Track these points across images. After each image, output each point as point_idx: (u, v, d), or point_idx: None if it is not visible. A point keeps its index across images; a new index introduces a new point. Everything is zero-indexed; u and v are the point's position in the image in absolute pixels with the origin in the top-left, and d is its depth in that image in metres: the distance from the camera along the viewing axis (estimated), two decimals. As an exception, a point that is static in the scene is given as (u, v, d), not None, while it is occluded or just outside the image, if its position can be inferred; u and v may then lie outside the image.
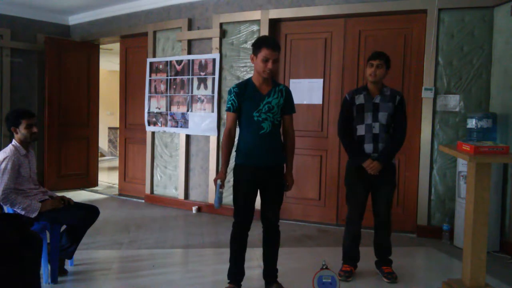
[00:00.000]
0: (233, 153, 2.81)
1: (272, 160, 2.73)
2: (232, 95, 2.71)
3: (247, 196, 2.73)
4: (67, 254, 3.13)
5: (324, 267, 2.80)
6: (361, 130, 3.10)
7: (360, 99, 3.12)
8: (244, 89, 2.72)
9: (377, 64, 3.05)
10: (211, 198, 5.19)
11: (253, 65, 2.72)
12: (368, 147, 3.07)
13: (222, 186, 2.64)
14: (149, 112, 5.74)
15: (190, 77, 5.35)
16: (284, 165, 2.84)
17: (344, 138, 3.18)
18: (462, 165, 3.89)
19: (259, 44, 2.66)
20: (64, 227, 3.13)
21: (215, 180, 2.67)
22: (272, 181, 2.74)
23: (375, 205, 3.17)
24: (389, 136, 3.10)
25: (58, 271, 3.00)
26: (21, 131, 2.97)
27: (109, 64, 9.73)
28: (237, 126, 2.78)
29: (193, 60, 5.32)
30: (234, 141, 2.79)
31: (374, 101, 3.09)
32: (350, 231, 3.19)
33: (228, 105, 2.73)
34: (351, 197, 3.19)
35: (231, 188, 2.84)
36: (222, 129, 5.06)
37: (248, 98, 2.69)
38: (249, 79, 2.78)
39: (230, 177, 5.05)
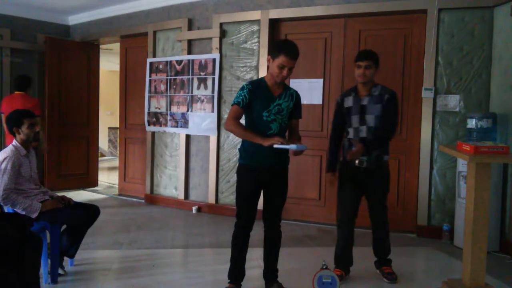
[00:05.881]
0: (237, 153, 2.79)
1: (277, 161, 2.72)
2: (245, 91, 2.67)
3: (250, 197, 2.73)
4: (69, 254, 3.14)
5: (324, 267, 2.80)
6: (351, 133, 3.09)
7: (348, 102, 3.09)
8: (257, 87, 2.70)
9: (366, 65, 2.97)
10: (211, 198, 5.20)
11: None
12: None
13: (282, 142, 2.50)
14: (149, 112, 5.74)
15: (190, 77, 5.35)
16: (288, 166, 2.82)
17: (329, 143, 3.21)
18: (462, 165, 3.89)
19: (279, 48, 2.61)
20: (64, 227, 3.13)
21: (271, 144, 2.49)
22: (275, 181, 2.74)
23: (370, 209, 3.16)
24: (379, 138, 3.01)
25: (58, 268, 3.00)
26: (24, 130, 2.97)
27: (109, 64, 9.72)
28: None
29: (193, 60, 5.32)
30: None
31: (361, 103, 3.03)
32: (341, 235, 3.17)
33: (238, 100, 2.67)
34: (340, 201, 3.17)
35: (234, 188, 2.83)
36: (222, 129, 5.06)
37: (260, 97, 2.68)
38: (262, 79, 2.78)
39: (230, 177, 5.08)
